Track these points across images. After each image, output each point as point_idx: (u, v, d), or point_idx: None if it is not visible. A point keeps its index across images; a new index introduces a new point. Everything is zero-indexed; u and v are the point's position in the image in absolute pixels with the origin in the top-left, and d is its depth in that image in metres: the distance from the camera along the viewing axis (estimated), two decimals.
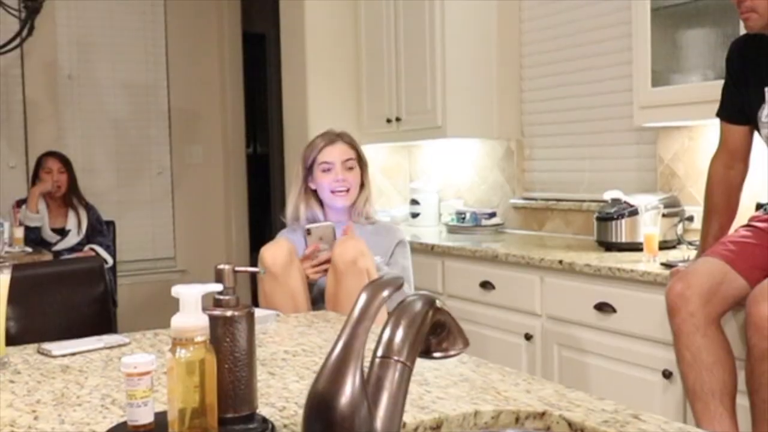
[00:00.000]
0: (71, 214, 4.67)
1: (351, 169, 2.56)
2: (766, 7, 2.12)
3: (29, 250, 4.06)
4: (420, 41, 3.99)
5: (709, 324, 2.12)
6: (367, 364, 0.83)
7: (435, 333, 0.89)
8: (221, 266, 1.11)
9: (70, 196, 4.70)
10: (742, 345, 2.13)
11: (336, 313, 2.11)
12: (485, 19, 3.95)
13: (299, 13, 4.51)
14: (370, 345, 0.83)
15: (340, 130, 2.65)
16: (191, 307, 1.02)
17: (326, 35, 4.51)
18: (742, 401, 2.11)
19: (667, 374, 2.41)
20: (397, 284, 0.82)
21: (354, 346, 0.77)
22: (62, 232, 4.60)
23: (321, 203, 2.61)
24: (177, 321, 1.01)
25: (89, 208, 4.75)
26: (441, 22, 3.86)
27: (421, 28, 3.98)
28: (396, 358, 0.80)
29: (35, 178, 4.70)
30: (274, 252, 2.37)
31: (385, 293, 0.81)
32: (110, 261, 4.63)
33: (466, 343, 0.91)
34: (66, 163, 4.72)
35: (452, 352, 0.90)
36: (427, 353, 0.90)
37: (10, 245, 4.00)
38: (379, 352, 0.80)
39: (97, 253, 4.50)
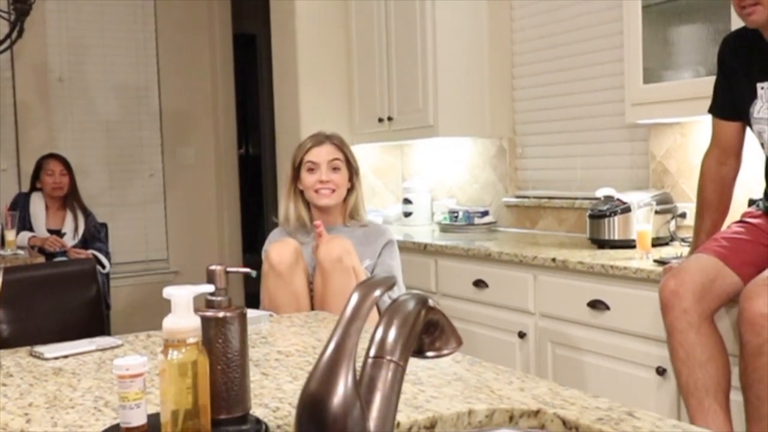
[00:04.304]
0: (69, 217, 4.68)
1: (337, 169, 2.54)
2: None
3: (21, 252, 4.05)
4: (411, 40, 3.98)
5: (703, 321, 2.12)
6: (360, 364, 0.82)
7: (428, 332, 0.88)
8: (213, 267, 1.10)
9: (70, 199, 4.71)
10: (735, 341, 2.13)
11: (327, 312, 2.11)
12: (476, 17, 3.96)
13: (290, 13, 4.50)
14: (363, 345, 0.83)
15: (330, 132, 2.64)
16: (183, 308, 1.01)
17: (317, 35, 4.51)
18: (736, 397, 2.11)
19: (660, 371, 2.41)
20: (388, 284, 0.82)
21: (346, 346, 0.76)
22: (58, 234, 4.58)
23: (309, 205, 2.60)
24: (168, 323, 1.01)
25: (87, 214, 4.75)
26: (432, 20, 3.86)
27: (412, 27, 3.97)
28: (389, 357, 0.79)
29: (35, 180, 4.70)
30: (280, 250, 2.36)
31: (377, 292, 0.80)
32: (108, 266, 4.64)
33: (460, 342, 0.91)
34: (67, 166, 4.73)
35: (445, 352, 0.90)
36: (420, 353, 0.90)
37: (2, 248, 3.99)
38: (372, 352, 0.80)
39: (98, 260, 4.48)
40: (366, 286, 0.80)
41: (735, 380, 2.11)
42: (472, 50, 3.95)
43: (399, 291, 2.44)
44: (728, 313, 2.21)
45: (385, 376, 0.79)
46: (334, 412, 0.73)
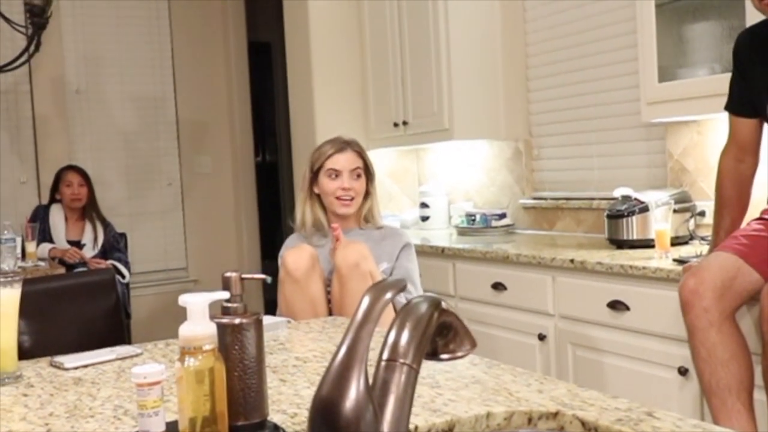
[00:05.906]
0: (88, 228, 4.72)
1: (358, 177, 2.55)
2: None
3: (42, 264, 4.08)
4: (425, 44, 3.98)
5: (724, 319, 2.10)
6: (373, 367, 0.82)
7: (441, 334, 0.88)
8: (228, 274, 1.10)
9: (89, 210, 4.75)
10: (757, 339, 2.11)
11: (344, 318, 2.11)
12: (489, 20, 3.95)
13: (303, 20, 4.52)
14: (377, 348, 0.83)
15: (349, 138, 2.63)
16: (198, 315, 1.02)
17: (331, 42, 4.52)
18: (760, 396, 2.09)
19: (682, 371, 2.39)
20: (399, 286, 0.81)
21: (358, 349, 0.76)
22: (77, 245, 4.62)
23: (325, 208, 2.59)
24: (184, 330, 1.01)
25: (106, 225, 4.79)
26: (445, 24, 3.86)
27: (425, 32, 3.98)
28: (402, 360, 0.79)
29: (54, 191, 4.75)
30: (296, 257, 2.36)
31: (388, 295, 0.80)
32: (128, 276, 4.67)
33: (474, 344, 0.90)
34: (86, 177, 4.78)
35: (459, 354, 0.90)
36: (434, 355, 0.90)
37: (23, 259, 4.02)
38: (385, 355, 0.80)
39: (118, 269, 4.51)
40: (377, 289, 0.80)
41: (758, 379, 2.09)
42: (486, 53, 3.95)
43: (417, 294, 2.43)
44: (750, 312, 2.19)
45: (399, 379, 0.78)
46: (346, 416, 0.73)
